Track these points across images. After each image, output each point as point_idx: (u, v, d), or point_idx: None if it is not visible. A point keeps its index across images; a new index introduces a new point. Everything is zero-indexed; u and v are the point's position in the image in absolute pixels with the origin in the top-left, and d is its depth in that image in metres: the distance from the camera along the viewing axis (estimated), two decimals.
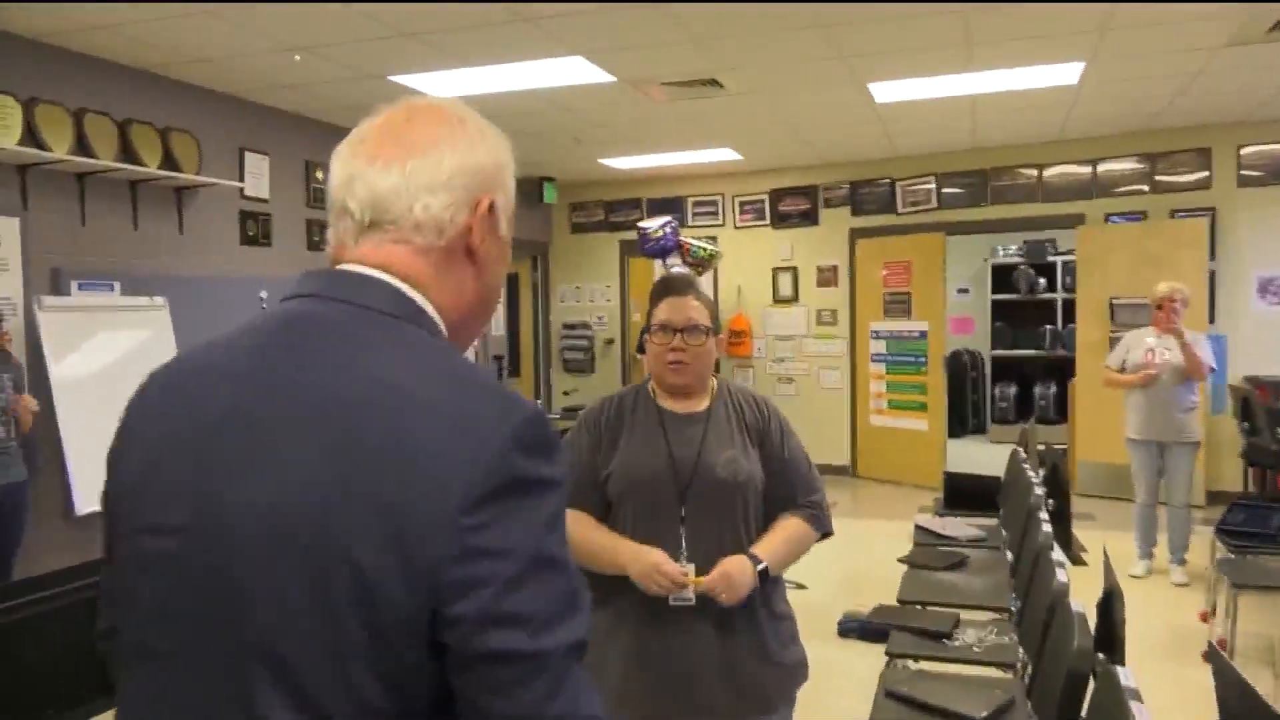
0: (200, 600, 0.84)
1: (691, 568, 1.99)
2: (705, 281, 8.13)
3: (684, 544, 2.01)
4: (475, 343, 8.07)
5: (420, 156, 0.94)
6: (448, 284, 0.95)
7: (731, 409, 2.14)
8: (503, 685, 0.80)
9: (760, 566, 2.00)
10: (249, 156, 5.79)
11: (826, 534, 2.17)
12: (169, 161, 5.15)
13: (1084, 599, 2.54)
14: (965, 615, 3.39)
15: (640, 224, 7.58)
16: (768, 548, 2.04)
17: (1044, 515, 3.09)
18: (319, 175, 6.40)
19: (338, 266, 0.94)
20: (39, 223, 4.58)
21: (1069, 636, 2.02)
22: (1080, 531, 6.26)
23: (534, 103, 6.13)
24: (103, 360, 4.57)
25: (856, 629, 4.28)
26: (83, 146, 4.71)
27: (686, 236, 7.63)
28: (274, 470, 0.83)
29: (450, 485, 0.79)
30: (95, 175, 4.80)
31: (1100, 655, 1.93)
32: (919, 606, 3.47)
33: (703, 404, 2.13)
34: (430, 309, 0.94)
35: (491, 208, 0.97)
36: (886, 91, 6.04)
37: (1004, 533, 4.24)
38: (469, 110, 1.00)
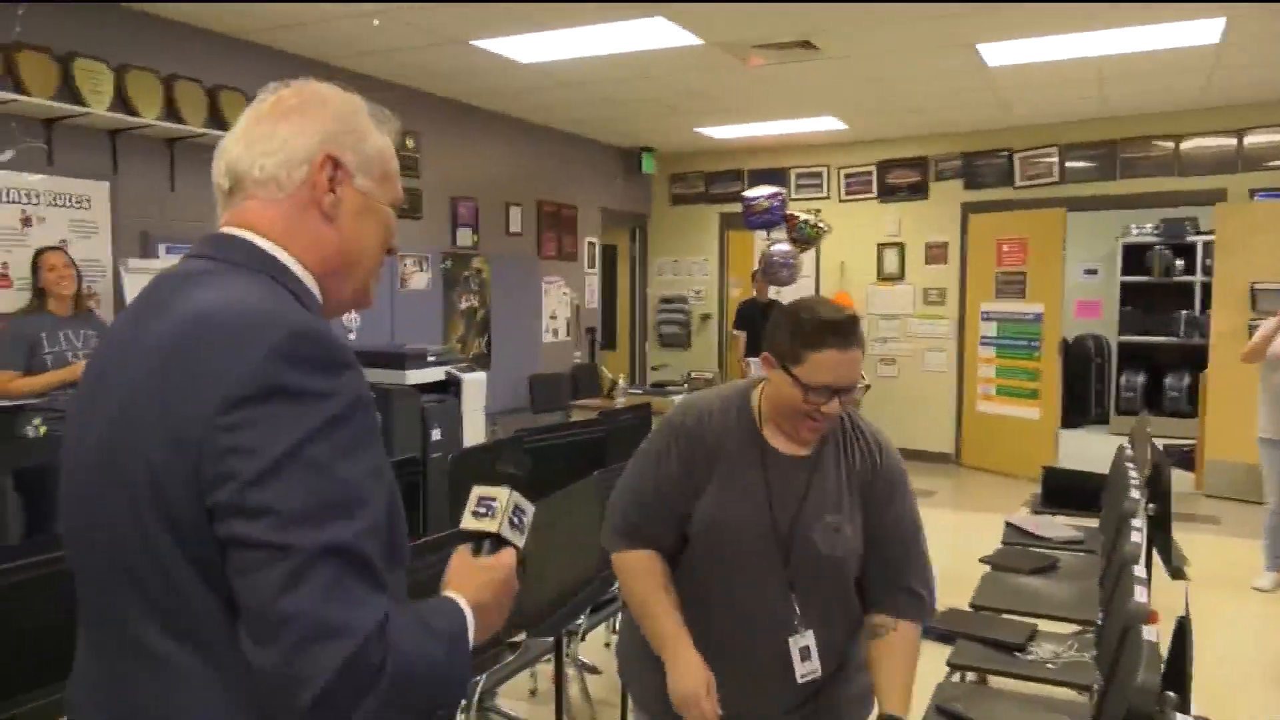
0: (75, 536, 1.02)
1: (811, 635, 1.72)
2: (807, 256, 7.83)
3: (797, 611, 1.72)
4: (565, 313, 8.00)
5: (262, 126, 1.07)
6: (301, 236, 1.06)
7: (842, 453, 1.77)
8: (245, 569, 0.87)
9: None
10: None
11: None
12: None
13: (1172, 622, 2.23)
14: (1045, 626, 3.08)
15: (745, 194, 7.33)
16: (901, 695, 1.71)
17: (1137, 522, 2.75)
18: (409, 143, 6.40)
19: (217, 230, 1.08)
20: (128, 187, 4.69)
21: (1134, 669, 1.74)
22: (1202, 537, 5.73)
23: (622, 69, 5.95)
24: None
25: (928, 631, 3.98)
26: (172, 112, 4.80)
27: (794, 209, 7.37)
28: (105, 405, 0.97)
29: (213, 389, 0.89)
30: (184, 141, 4.88)
31: (1169, 694, 1.65)
32: (995, 613, 3.17)
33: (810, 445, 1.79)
34: (284, 256, 1.05)
35: (336, 163, 1.07)
36: (999, 53, 5.59)
37: (1102, 536, 3.87)
38: (321, 85, 1.12)
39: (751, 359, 7.03)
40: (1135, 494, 3.11)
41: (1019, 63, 5.80)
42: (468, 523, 1.16)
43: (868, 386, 1.79)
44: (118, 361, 0.99)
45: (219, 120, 5.01)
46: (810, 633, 1.72)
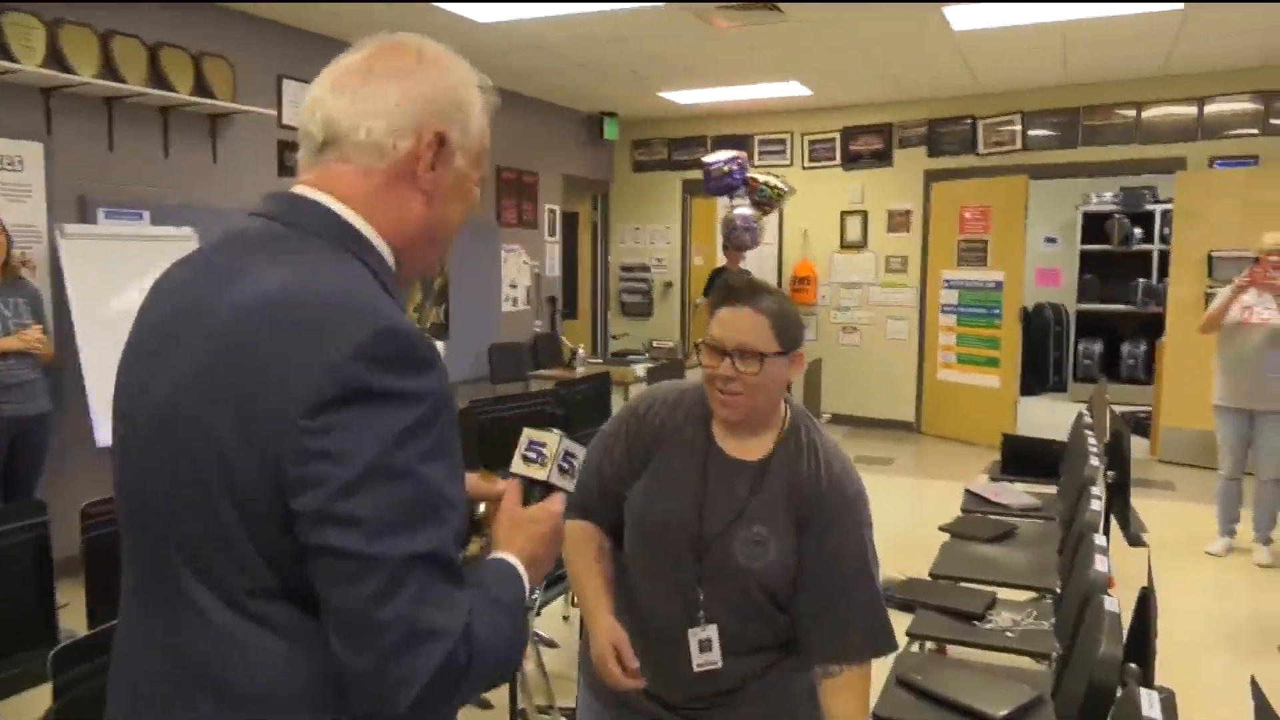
0: (131, 489, 1.00)
1: (713, 629, 1.66)
2: (770, 224, 7.76)
3: (701, 603, 1.66)
4: (525, 281, 7.88)
5: (372, 84, 1.01)
6: (388, 208, 1.01)
7: (791, 467, 1.68)
8: (337, 579, 0.86)
9: None
10: (288, 84, 5.63)
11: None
12: (201, 88, 5.02)
13: (1131, 590, 2.21)
14: (1004, 594, 3.07)
15: (704, 159, 7.23)
16: None
17: (1097, 490, 2.73)
18: None
19: (291, 189, 1.02)
20: (65, 149, 4.50)
21: (1096, 639, 1.71)
22: (1158, 503, 5.80)
23: (585, 31, 5.80)
24: (127, 291, 4.50)
25: (889, 599, 3.98)
26: (111, 70, 4.59)
27: (755, 173, 7.27)
28: (169, 371, 0.95)
29: (294, 389, 0.86)
30: (124, 100, 4.68)
31: (1131, 665, 1.62)
32: (953, 582, 3.16)
33: (762, 449, 1.70)
34: (365, 228, 1.00)
35: (443, 140, 1.02)
36: (965, 17, 5.52)
37: (1061, 504, 3.88)
38: (437, 47, 1.06)
39: None
40: (1095, 461, 3.10)
41: (985, 28, 5.74)
42: (518, 467, 1.14)
43: (780, 354, 1.64)
44: (190, 322, 0.95)
45: (161, 80, 4.82)
46: (714, 627, 1.66)
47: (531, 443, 1.15)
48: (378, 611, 0.85)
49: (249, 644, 0.91)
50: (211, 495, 0.90)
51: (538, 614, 3.25)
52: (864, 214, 8.46)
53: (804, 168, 8.63)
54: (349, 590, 0.85)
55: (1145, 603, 1.78)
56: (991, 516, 3.95)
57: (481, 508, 1.20)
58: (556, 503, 1.13)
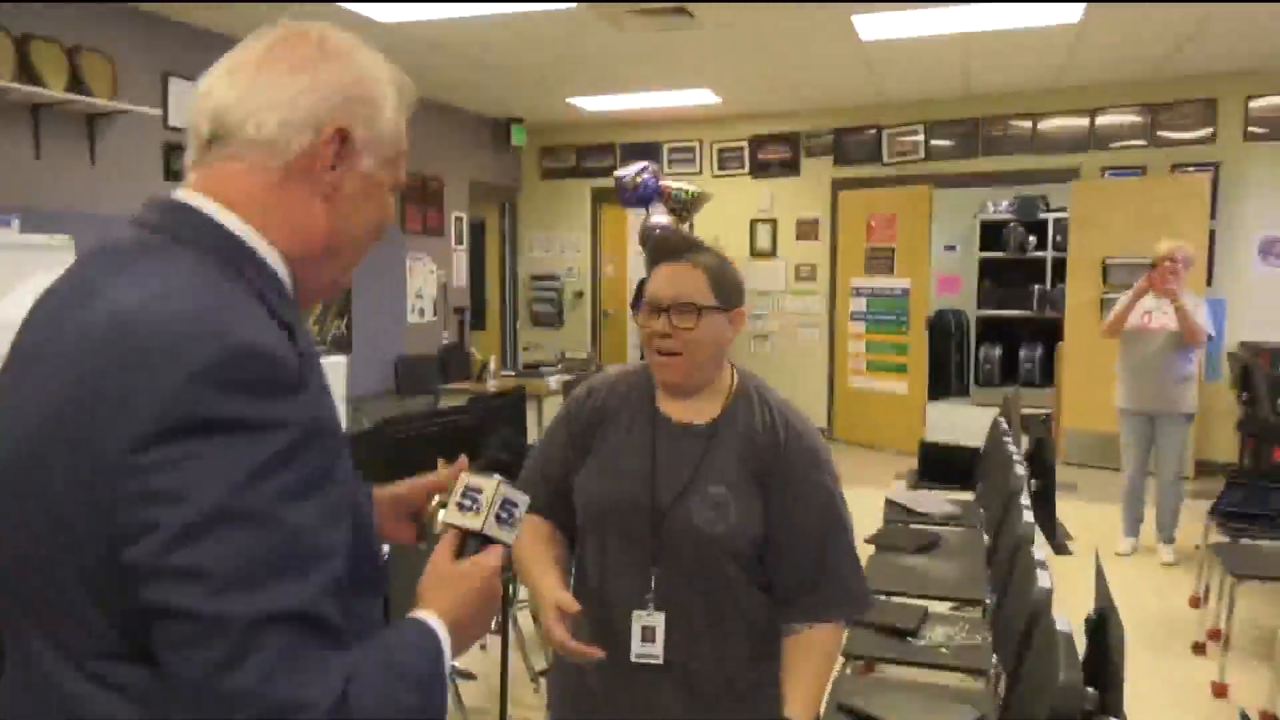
0: None
1: (660, 618, 1.56)
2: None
3: (652, 588, 1.57)
4: (431, 291, 7.62)
5: (267, 74, 0.90)
6: (282, 212, 0.91)
7: (746, 425, 1.63)
8: (176, 643, 0.75)
9: None
10: (174, 83, 5.28)
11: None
12: (77, 84, 4.65)
13: (1070, 599, 2.17)
14: (934, 607, 3.03)
15: (616, 173, 7.14)
16: (804, 698, 1.56)
17: (1025, 501, 2.71)
18: None
19: (174, 192, 0.91)
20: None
21: (1052, 664, 1.65)
22: (1063, 503, 5.92)
23: (491, 32, 5.62)
24: None
25: None
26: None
27: (668, 180, 7.20)
28: (15, 410, 0.84)
29: (125, 422, 0.76)
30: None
31: (1090, 690, 1.56)
32: (884, 597, 3.10)
33: (711, 412, 1.64)
34: (251, 236, 0.89)
35: (345, 137, 0.92)
36: (872, 26, 5.56)
37: (981, 511, 3.88)
38: (344, 37, 0.96)
39: None
40: (1019, 470, 3.09)
41: (891, 38, 5.79)
42: (451, 516, 1.03)
43: (717, 307, 1.61)
44: (39, 352, 0.85)
45: (31, 75, 4.45)
46: (660, 616, 1.57)
47: (467, 488, 1.04)
48: (223, 682, 0.72)
49: (98, 711, 0.81)
50: (49, 550, 0.80)
51: None
52: (773, 222, 8.48)
53: (713, 175, 8.60)
54: (190, 657, 0.73)
55: (1104, 622, 1.73)
56: (914, 526, 3.93)
57: (434, 500, 1.15)
58: (492, 557, 1.01)
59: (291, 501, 0.77)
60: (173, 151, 5.32)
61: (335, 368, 5.61)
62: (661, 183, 7.04)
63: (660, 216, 7.00)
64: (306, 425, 0.80)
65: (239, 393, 0.77)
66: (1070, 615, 1.84)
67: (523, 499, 1.06)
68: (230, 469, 0.75)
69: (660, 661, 1.57)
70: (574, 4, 5.00)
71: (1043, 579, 2.05)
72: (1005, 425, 4.08)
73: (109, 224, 4.62)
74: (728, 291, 1.63)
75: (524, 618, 3.53)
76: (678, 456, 1.61)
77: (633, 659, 1.57)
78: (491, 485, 1.03)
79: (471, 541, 1.02)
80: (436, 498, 1.16)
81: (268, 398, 0.78)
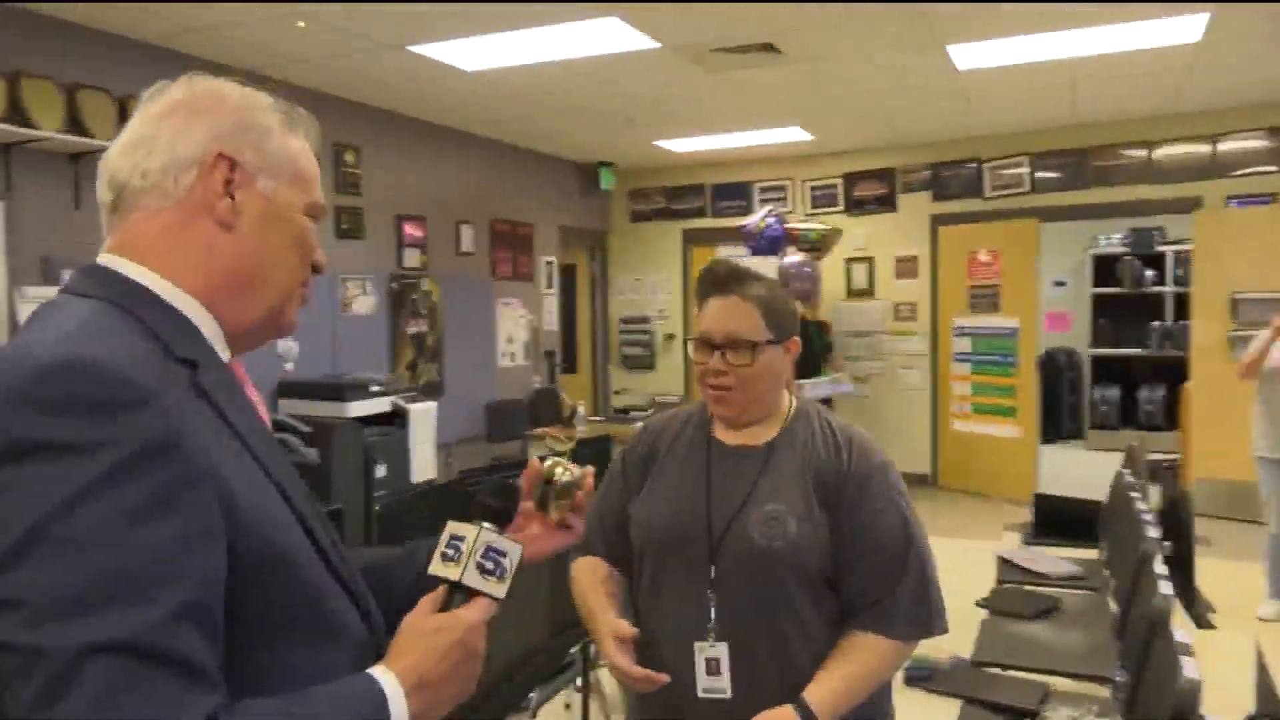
0: None
1: (724, 649, 1.49)
2: (771, 272, 7.52)
3: (713, 618, 1.52)
4: (522, 336, 7.60)
5: (144, 129, 0.94)
6: (185, 252, 0.92)
7: (805, 446, 1.59)
8: (3, 677, 0.70)
9: None
10: None
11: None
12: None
13: (1217, 684, 1.88)
14: (1055, 683, 2.72)
15: (742, 225, 7.06)
16: (824, 692, 1.47)
17: (1160, 568, 2.41)
18: (349, 158, 5.99)
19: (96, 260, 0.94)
20: (26, 207, 4.23)
21: None
22: (1196, 560, 5.44)
23: (575, 78, 5.59)
24: None
25: (928, 679, 3.62)
26: (76, 124, 4.35)
27: (794, 222, 7.13)
28: None
29: None
30: (91, 155, 4.42)
31: None
32: (999, 670, 2.81)
33: (767, 434, 1.62)
34: (150, 279, 0.91)
35: (232, 164, 0.94)
36: (970, 55, 5.31)
37: (1106, 573, 3.54)
38: (209, 78, 0.99)
39: (804, 381, 6.68)
40: (1152, 531, 2.78)
41: (990, 66, 5.53)
42: (435, 567, 0.97)
43: (772, 341, 1.59)
44: None
45: None
46: (724, 646, 1.49)
47: (452, 537, 0.98)
48: (46, 716, 0.68)
49: None
50: None
51: (533, 716, 2.89)
52: (870, 260, 8.21)
53: (806, 214, 8.39)
54: (16, 691, 0.69)
55: None
56: (1029, 588, 3.61)
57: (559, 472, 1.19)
58: (475, 610, 0.94)
59: (128, 523, 0.73)
60: None
61: (424, 413, 5.60)
62: (787, 226, 6.92)
63: (793, 256, 6.86)
64: (143, 443, 0.75)
65: (59, 412, 0.74)
66: (1222, 711, 1.57)
67: (513, 548, 0.98)
68: (48, 492, 0.72)
69: (728, 696, 1.49)
70: (656, 44, 4.92)
71: (1188, 668, 1.77)
72: (1131, 478, 3.73)
73: None
74: (780, 322, 1.60)
75: (605, 675, 3.36)
76: (733, 478, 1.58)
77: (700, 694, 1.51)
78: (473, 532, 0.96)
79: (457, 595, 0.95)
80: (549, 461, 1.20)
81: (90, 415, 0.75)
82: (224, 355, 0.94)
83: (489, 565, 0.96)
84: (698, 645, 1.51)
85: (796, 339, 1.63)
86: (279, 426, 4.88)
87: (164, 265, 0.91)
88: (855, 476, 1.55)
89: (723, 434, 1.64)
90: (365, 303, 6.15)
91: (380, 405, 5.40)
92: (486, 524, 0.98)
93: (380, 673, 0.87)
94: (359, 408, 5.22)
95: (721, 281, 1.60)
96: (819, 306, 7.23)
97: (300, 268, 0.99)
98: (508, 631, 2.32)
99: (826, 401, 6.88)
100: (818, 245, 7.06)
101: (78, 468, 0.73)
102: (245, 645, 0.82)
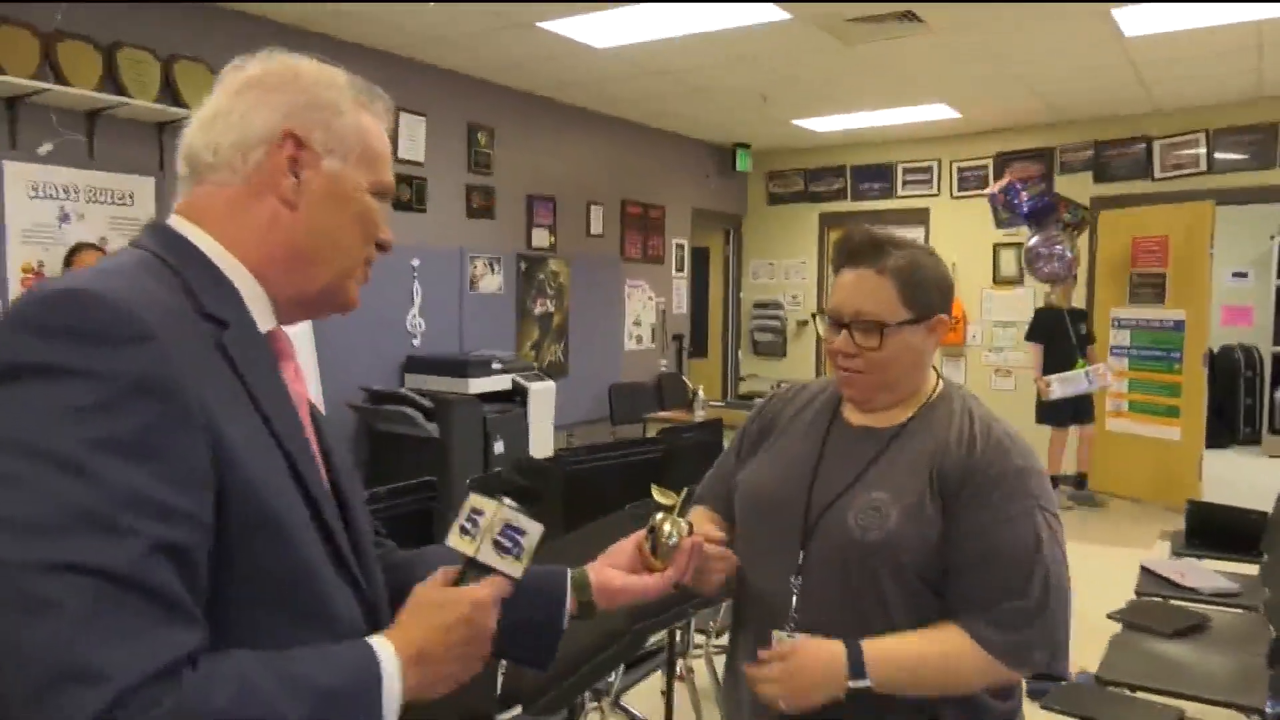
0: None
1: (800, 640, 1.36)
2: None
3: (794, 607, 1.39)
4: (650, 319, 7.55)
5: (220, 106, 0.96)
6: (245, 224, 0.94)
7: (937, 434, 1.41)
8: None
9: (859, 681, 1.30)
10: (404, 118, 5.53)
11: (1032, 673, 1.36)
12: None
13: None
14: (1193, 710, 2.44)
15: (986, 192, 6.71)
16: (888, 649, 1.33)
17: None
18: (481, 138, 6.07)
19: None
20: (176, 183, 4.47)
21: None
22: None
23: (708, 52, 5.46)
24: None
25: (1044, 694, 3.34)
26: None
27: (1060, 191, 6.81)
28: None
29: None
30: None
31: None
32: (1127, 691, 2.55)
33: (899, 418, 1.45)
34: (206, 242, 0.93)
35: (300, 143, 0.95)
36: (1138, 20, 4.85)
37: (1266, 591, 3.16)
38: (288, 56, 0.99)
39: (1055, 376, 6.41)
40: None
41: (1162, 31, 5.04)
42: (452, 540, 0.95)
43: (909, 322, 1.41)
44: None
45: None
46: (802, 637, 1.36)
47: (471, 511, 0.96)
48: (12, 635, 0.68)
49: None
50: None
51: (615, 702, 2.81)
52: (1019, 246, 7.70)
53: (953, 197, 7.98)
54: None
55: None
56: (1174, 602, 3.27)
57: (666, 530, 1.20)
58: (486, 587, 0.93)
59: (113, 454, 0.73)
60: (401, 182, 5.56)
61: (544, 392, 5.63)
62: (1059, 196, 6.56)
63: (1035, 236, 6.50)
64: (141, 378, 0.76)
65: (57, 337, 0.75)
66: None
67: (532, 527, 0.95)
68: (34, 413, 0.73)
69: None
70: (787, 15, 4.73)
71: None
72: None
73: None
74: (924, 298, 1.41)
75: (699, 666, 3.25)
76: (846, 460, 1.44)
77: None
78: (492, 508, 0.95)
79: (471, 571, 0.94)
80: (658, 516, 1.21)
81: (90, 343, 0.76)
82: (264, 324, 0.95)
83: (506, 543, 0.94)
84: (775, 634, 1.40)
85: (943, 317, 1.44)
86: (400, 399, 5.00)
87: (223, 232, 0.93)
88: (983, 473, 1.35)
89: (850, 413, 1.50)
90: (493, 281, 6.23)
91: (501, 383, 5.45)
92: (508, 500, 0.95)
93: (378, 641, 0.86)
94: (480, 384, 5.29)
95: (856, 251, 1.43)
96: (1072, 291, 6.80)
97: (362, 246, 1.00)
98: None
99: (1081, 400, 6.50)
100: (1080, 221, 6.62)
101: (69, 392, 0.74)
102: (224, 611, 0.80)
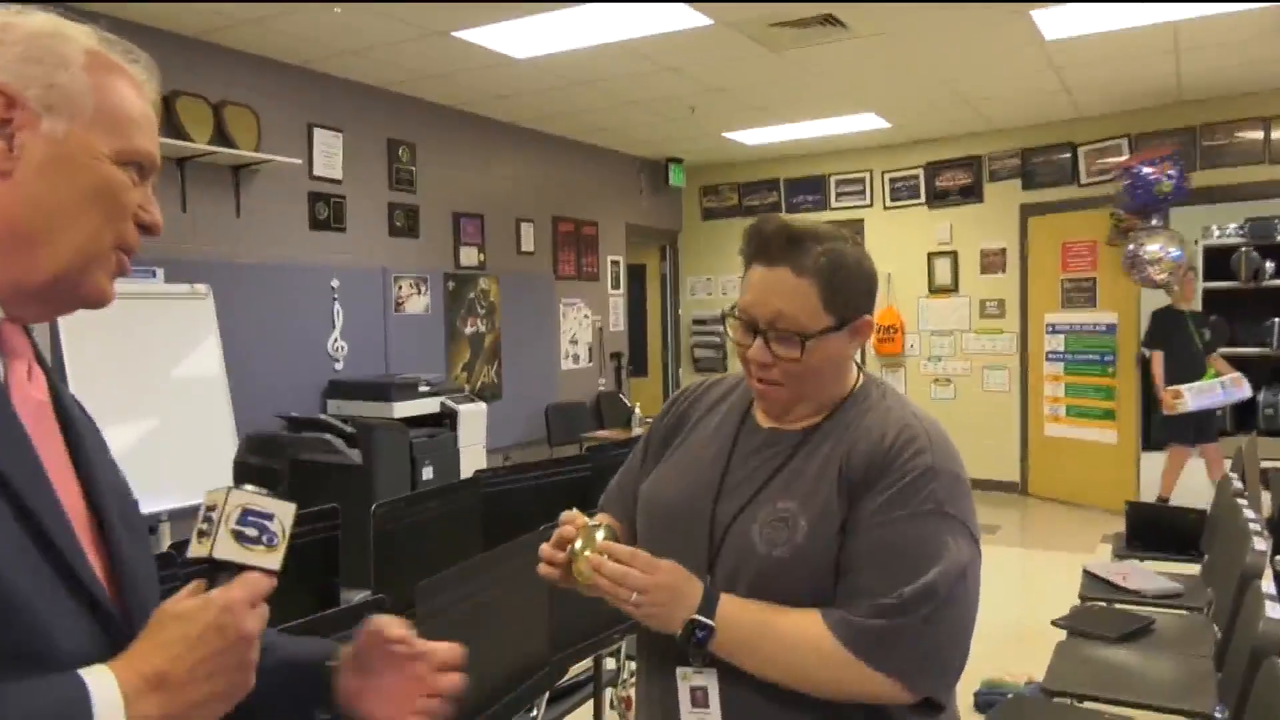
0: None
1: (712, 676, 1.23)
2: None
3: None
4: (586, 337, 7.40)
5: None
6: None
7: (848, 432, 1.26)
8: None
9: (705, 618, 1.19)
10: (319, 133, 5.32)
11: (918, 697, 1.17)
12: (221, 137, 4.73)
13: None
14: (1143, 717, 2.34)
15: (1135, 167, 6.15)
16: (743, 603, 1.20)
17: (1269, 586, 2.01)
18: (402, 154, 5.88)
19: None
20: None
21: None
22: None
23: (632, 64, 5.36)
24: (131, 353, 4.16)
25: (991, 707, 3.23)
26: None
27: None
28: None
29: None
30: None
31: None
32: (1070, 701, 2.43)
33: (813, 418, 1.29)
34: None
35: (11, 101, 0.81)
36: (1057, 21, 4.86)
37: (1209, 591, 3.09)
38: (7, 8, 0.85)
39: (1187, 386, 5.66)
40: (1259, 544, 2.36)
41: (1080, 34, 5.06)
42: (192, 549, 0.83)
43: (831, 329, 1.24)
44: None
45: (177, 129, 4.53)
46: (713, 674, 1.21)
47: (205, 510, 0.82)
48: None
49: None
50: None
51: None
52: (953, 254, 7.73)
53: (885, 207, 7.98)
54: None
55: None
56: (1119, 606, 3.19)
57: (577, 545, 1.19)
58: (234, 588, 0.79)
59: None
60: (317, 201, 5.34)
61: (475, 416, 5.44)
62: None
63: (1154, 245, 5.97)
64: None
65: None
66: None
67: (281, 507, 0.84)
68: None
69: None
70: (707, 19, 4.63)
71: None
72: (1239, 483, 3.27)
73: (252, 272, 4.68)
74: (845, 300, 1.25)
75: (625, 695, 3.08)
76: (755, 466, 1.29)
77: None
78: (222, 495, 0.82)
79: (222, 575, 0.80)
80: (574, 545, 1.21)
81: None
82: None
83: (250, 532, 0.82)
84: (680, 671, 1.23)
85: (868, 318, 1.28)
86: (320, 426, 4.76)
87: None
88: (888, 466, 1.20)
89: (762, 415, 1.35)
90: (419, 302, 6.02)
91: (429, 406, 5.25)
92: (247, 486, 0.83)
93: (94, 671, 0.73)
94: (405, 408, 5.08)
95: (769, 245, 1.25)
96: (1192, 293, 6.22)
97: (105, 226, 0.84)
98: (500, 639, 2.07)
99: (1212, 414, 5.74)
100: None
101: None
102: None
